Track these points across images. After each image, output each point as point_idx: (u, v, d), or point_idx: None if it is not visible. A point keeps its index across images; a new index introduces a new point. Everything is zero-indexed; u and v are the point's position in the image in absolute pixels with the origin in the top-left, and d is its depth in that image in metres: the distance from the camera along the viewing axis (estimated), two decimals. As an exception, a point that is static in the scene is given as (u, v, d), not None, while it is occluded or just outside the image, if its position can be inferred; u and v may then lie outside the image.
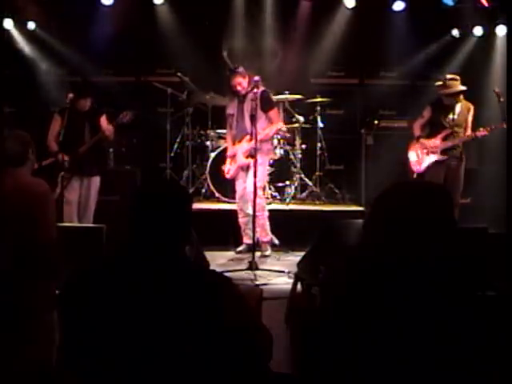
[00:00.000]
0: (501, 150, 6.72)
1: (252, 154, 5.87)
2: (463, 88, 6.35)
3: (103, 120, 6.14)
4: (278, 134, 7.28)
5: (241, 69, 6.18)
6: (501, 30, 8.23)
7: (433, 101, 6.64)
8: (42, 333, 2.96)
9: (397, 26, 8.42)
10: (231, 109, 6.32)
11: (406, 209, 1.62)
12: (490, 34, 8.41)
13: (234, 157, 6.28)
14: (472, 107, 6.43)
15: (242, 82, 6.12)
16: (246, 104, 6.12)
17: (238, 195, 6.40)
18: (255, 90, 5.89)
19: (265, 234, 6.19)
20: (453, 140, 6.36)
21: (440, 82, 6.46)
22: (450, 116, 6.37)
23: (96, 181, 6.13)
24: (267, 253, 6.20)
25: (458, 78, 6.43)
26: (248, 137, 6.12)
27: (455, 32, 8.54)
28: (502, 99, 6.10)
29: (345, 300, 1.62)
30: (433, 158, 6.41)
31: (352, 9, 8.48)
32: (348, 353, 1.56)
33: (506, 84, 6.64)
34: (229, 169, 6.35)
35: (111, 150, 7.87)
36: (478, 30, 8.49)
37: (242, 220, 6.30)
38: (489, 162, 7.73)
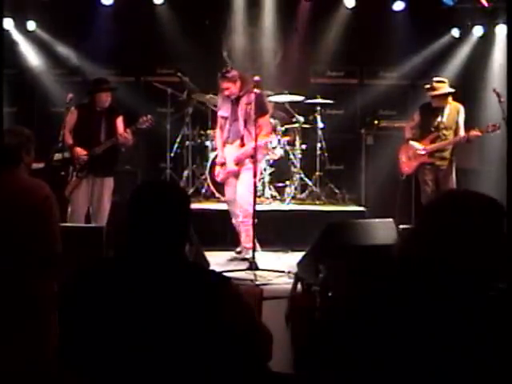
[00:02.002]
0: (501, 150, 6.71)
1: (241, 162, 5.91)
2: (451, 90, 6.38)
3: (119, 121, 6.06)
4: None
5: (231, 73, 5.90)
6: (501, 30, 8.22)
7: (422, 104, 6.70)
8: (42, 333, 2.95)
9: (397, 26, 8.43)
10: (224, 111, 6.10)
11: (459, 223, 1.58)
12: (489, 34, 8.41)
13: (223, 164, 6.14)
14: (462, 109, 6.46)
15: (230, 88, 5.89)
16: (240, 107, 5.96)
17: (227, 200, 6.31)
18: (250, 93, 5.79)
19: (248, 240, 5.90)
20: (441, 142, 6.39)
21: (427, 86, 6.50)
22: (439, 119, 6.41)
23: (109, 182, 6.04)
24: (247, 256, 5.89)
25: (445, 80, 6.48)
26: (238, 142, 6.00)
27: (455, 32, 8.55)
28: (502, 99, 6.10)
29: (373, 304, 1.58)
30: (420, 160, 6.45)
31: (352, 9, 8.50)
32: (349, 353, 1.56)
33: (506, 84, 6.63)
34: (218, 172, 6.23)
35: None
36: (477, 30, 8.49)
37: (236, 223, 6.19)
38: (489, 163, 7.73)
